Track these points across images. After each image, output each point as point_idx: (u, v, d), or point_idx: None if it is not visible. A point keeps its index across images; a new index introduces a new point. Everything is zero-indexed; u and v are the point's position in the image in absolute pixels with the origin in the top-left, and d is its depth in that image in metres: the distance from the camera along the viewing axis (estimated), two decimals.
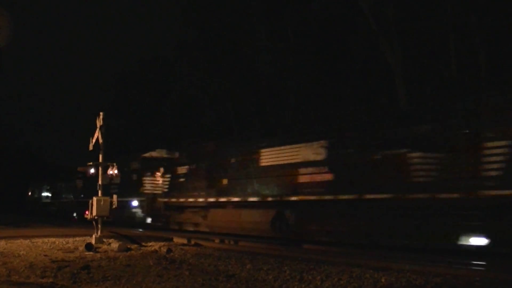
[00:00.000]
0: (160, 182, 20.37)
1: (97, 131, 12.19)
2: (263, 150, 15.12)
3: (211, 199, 16.86)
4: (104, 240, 11.53)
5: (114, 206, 11.74)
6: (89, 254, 9.93)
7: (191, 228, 18.02)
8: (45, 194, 39.25)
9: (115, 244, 10.80)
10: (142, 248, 11.26)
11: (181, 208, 18.70)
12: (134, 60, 74.76)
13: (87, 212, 12.05)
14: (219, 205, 16.59)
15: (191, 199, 17.93)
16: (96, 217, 11.62)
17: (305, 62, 25.10)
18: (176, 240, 13.28)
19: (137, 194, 21.92)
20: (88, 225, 13.03)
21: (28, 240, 11.93)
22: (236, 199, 15.84)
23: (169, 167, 19.98)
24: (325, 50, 24.28)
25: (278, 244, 13.13)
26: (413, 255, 10.02)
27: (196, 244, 12.44)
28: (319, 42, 24.55)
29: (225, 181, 16.45)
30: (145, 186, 21.29)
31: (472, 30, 18.27)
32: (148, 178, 21.28)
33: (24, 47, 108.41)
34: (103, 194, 11.91)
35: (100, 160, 12.34)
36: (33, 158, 58.18)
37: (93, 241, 11.14)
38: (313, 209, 13.26)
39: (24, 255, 9.41)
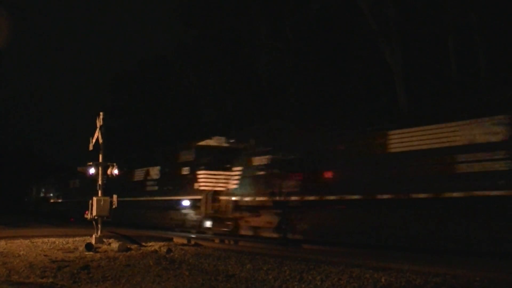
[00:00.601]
0: (225, 176, 16.76)
1: (97, 131, 12.20)
2: (394, 132, 11.45)
3: (311, 198, 13.19)
4: (104, 240, 11.53)
5: (114, 206, 11.74)
6: (89, 254, 9.93)
7: (275, 235, 14.18)
8: (54, 193, 37.13)
9: (115, 244, 10.80)
10: (142, 248, 11.27)
11: (259, 208, 14.86)
12: (134, 60, 74.92)
13: (86, 212, 12.05)
14: (323, 205, 13.00)
15: (277, 198, 14.07)
16: (96, 217, 11.64)
17: (305, 62, 25.12)
18: (176, 240, 13.30)
19: (188, 191, 18.04)
20: (88, 225, 13.03)
21: (28, 240, 11.91)
22: (354, 196, 12.05)
23: (239, 157, 16.21)
24: (325, 50, 24.30)
25: (277, 244, 13.11)
26: (412, 255, 10.01)
27: (196, 244, 12.46)
28: (319, 42, 24.57)
29: (329, 174, 12.98)
30: (201, 182, 17.48)
31: (472, 30, 18.28)
32: (205, 172, 17.57)
33: (24, 47, 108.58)
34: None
35: (100, 160, 12.34)
36: (33, 158, 58.24)
37: (93, 241, 11.14)
38: (497, 209, 9.51)
39: (24, 255, 9.40)
